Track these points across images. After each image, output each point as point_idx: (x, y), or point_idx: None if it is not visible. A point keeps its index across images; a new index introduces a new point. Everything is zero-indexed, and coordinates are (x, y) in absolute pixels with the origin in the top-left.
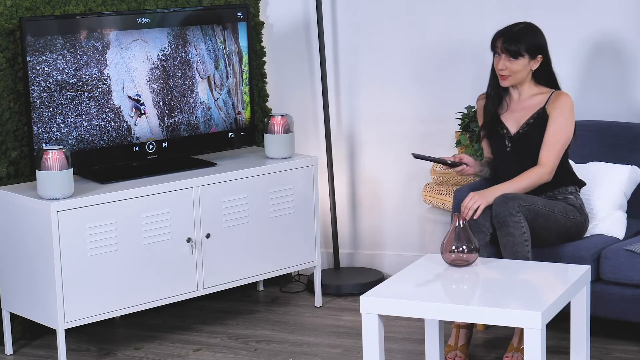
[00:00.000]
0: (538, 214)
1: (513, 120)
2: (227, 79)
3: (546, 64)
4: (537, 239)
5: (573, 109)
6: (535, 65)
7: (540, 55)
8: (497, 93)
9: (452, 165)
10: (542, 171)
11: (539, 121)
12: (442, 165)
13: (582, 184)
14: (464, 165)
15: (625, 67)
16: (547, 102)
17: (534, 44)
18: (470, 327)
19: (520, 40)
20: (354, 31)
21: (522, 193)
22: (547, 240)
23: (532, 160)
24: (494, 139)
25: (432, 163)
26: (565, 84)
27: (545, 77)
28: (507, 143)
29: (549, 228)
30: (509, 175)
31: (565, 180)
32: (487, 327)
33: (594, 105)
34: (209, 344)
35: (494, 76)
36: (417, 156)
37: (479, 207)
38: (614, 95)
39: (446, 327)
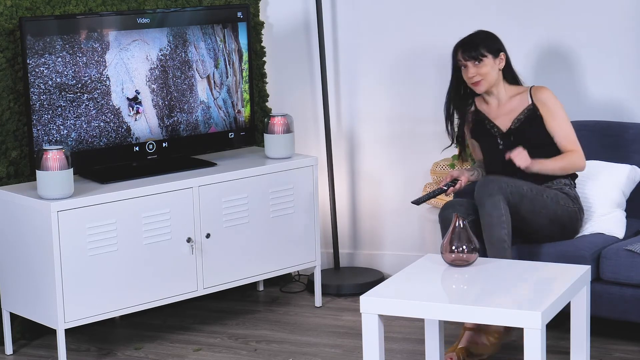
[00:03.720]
0: (523, 196)
1: (502, 120)
2: (227, 77)
3: (509, 64)
4: (527, 225)
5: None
6: (501, 63)
7: (502, 53)
8: (461, 95)
9: (449, 186)
10: (576, 155)
11: (530, 116)
12: (439, 190)
13: (574, 175)
14: (460, 182)
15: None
16: (530, 97)
17: (492, 45)
18: (477, 330)
19: (478, 44)
20: (354, 31)
21: (526, 181)
22: (538, 226)
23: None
24: (484, 139)
25: (433, 169)
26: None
27: (511, 76)
28: (499, 141)
29: (538, 212)
30: (500, 174)
31: None
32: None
33: None
34: (209, 344)
35: (455, 85)
36: (417, 202)
37: (520, 166)
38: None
39: (446, 327)
